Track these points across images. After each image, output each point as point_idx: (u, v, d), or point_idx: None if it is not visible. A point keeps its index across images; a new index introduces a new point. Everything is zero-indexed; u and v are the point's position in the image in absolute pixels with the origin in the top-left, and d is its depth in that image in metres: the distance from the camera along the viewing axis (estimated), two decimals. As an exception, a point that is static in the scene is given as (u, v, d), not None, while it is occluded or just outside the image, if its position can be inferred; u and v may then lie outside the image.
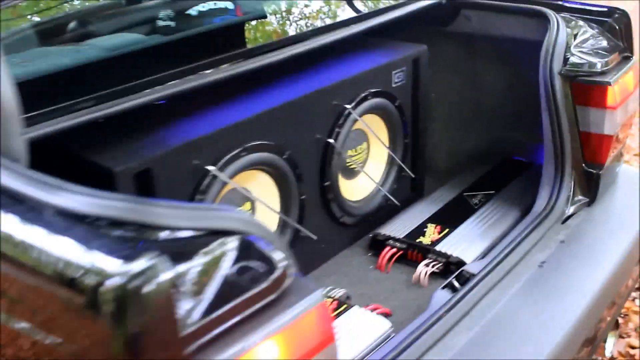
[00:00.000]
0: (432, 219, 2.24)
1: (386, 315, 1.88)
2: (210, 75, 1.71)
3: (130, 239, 1.06)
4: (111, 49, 1.82)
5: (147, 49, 1.84)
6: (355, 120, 2.09)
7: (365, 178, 2.26)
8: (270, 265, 1.11)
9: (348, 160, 2.18)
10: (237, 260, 1.09)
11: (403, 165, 2.32)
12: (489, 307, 1.72)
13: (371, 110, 2.15)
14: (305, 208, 2.01)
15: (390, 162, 2.31)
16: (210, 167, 1.66)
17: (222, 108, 1.81)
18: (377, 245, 2.18)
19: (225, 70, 1.74)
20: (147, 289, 0.96)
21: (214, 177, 1.68)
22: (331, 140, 2.00)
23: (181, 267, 1.02)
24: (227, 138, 1.72)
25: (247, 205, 1.88)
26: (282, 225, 1.95)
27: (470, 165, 2.60)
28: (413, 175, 2.39)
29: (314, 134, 1.98)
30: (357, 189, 2.24)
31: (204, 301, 1.01)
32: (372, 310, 1.86)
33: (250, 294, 1.06)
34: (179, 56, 1.77)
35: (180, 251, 1.07)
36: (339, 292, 1.96)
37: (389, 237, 2.16)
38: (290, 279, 1.12)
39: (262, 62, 1.81)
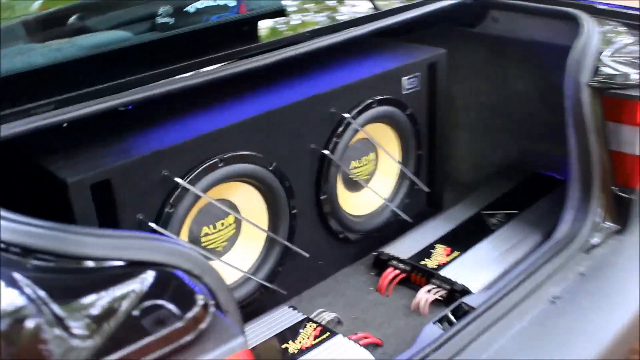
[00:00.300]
0: (443, 239, 2.05)
1: (375, 345, 1.72)
2: (189, 80, 1.58)
3: (19, 267, 0.94)
4: (92, 48, 1.71)
5: (130, 49, 1.73)
6: (358, 130, 1.92)
7: (375, 188, 2.09)
8: (186, 304, 0.97)
9: (352, 172, 2.02)
10: (147, 297, 0.96)
11: (415, 179, 2.14)
12: (484, 347, 1.53)
13: (377, 119, 1.98)
14: (298, 223, 1.86)
15: (402, 174, 2.13)
16: (178, 179, 1.53)
17: (200, 115, 1.68)
18: (381, 265, 2.02)
19: (206, 75, 1.61)
20: (13, 330, 0.84)
21: (185, 189, 1.56)
22: (326, 152, 1.84)
23: (70, 305, 0.89)
24: (201, 148, 1.58)
25: (230, 218, 1.74)
26: (270, 241, 1.81)
27: (496, 179, 2.39)
28: (427, 190, 2.20)
29: (308, 144, 1.83)
30: (363, 203, 2.07)
31: (95, 344, 0.88)
32: (360, 339, 1.69)
33: (154, 338, 0.92)
34: (164, 57, 1.64)
35: (76, 285, 0.95)
36: (329, 316, 1.81)
37: (393, 258, 1.99)
38: (208, 320, 0.98)
39: (249, 65, 1.67)
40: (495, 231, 2.07)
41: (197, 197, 1.59)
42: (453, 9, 2.17)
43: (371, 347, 1.70)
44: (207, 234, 1.70)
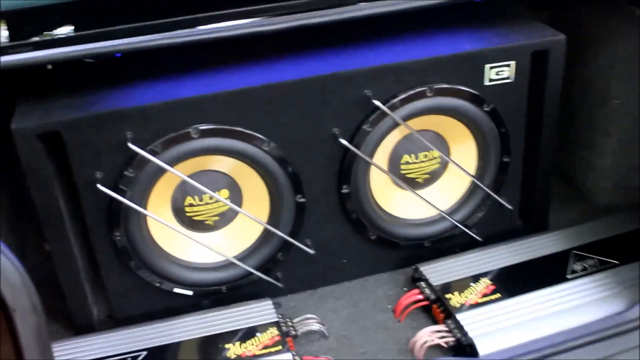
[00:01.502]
0: (495, 274, 1.64)
1: (335, 377, 1.47)
2: (183, 37, 1.43)
3: None
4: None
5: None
6: (408, 119, 1.60)
7: (435, 192, 1.75)
8: None
9: (404, 169, 1.70)
10: None
11: (489, 192, 1.73)
12: None
13: (434, 112, 1.62)
14: (313, 214, 1.64)
15: (481, 179, 1.73)
16: (132, 146, 1.42)
17: (193, 77, 1.52)
18: (414, 282, 1.70)
19: (207, 33, 1.44)
20: None
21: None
22: (343, 141, 1.56)
23: None
24: (172, 114, 1.45)
25: (224, 193, 1.60)
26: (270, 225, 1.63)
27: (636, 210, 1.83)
28: (509, 206, 1.77)
29: (330, 128, 1.56)
30: (419, 205, 1.74)
31: None
32: (317, 365, 1.47)
33: None
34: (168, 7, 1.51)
35: None
36: (315, 326, 1.59)
37: (424, 279, 1.66)
38: None
39: (262, 28, 1.46)
40: (569, 281, 1.59)
41: (172, 165, 1.48)
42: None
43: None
44: (191, 205, 1.58)
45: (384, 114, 1.56)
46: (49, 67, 1.50)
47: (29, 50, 1.40)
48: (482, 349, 1.44)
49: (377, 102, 1.53)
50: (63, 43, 1.41)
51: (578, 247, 1.69)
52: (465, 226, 1.77)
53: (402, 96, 1.56)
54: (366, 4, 1.49)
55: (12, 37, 1.43)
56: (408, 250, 1.77)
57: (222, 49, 1.57)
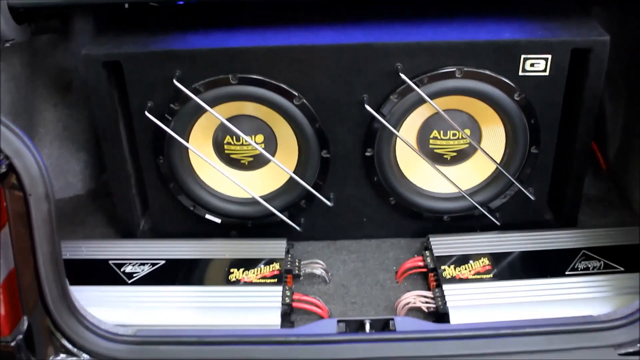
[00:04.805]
0: (496, 256, 1.70)
1: (319, 317, 1.62)
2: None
3: None
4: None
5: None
6: (436, 97, 1.68)
7: (461, 171, 1.82)
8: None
9: (432, 144, 1.79)
10: None
11: (513, 180, 1.77)
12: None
13: (462, 94, 1.68)
14: (337, 170, 1.78)
15: (507, 167, 1.78)
16: (176, 82, 1.62)
17: (244, 30, 1.69)
18: (424, 250, 1.80)
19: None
20: None
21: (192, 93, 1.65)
22: (368, 108, 1.67)
23: None
24: (215, 60, 1.63)
25: (259, 137, 1.77)
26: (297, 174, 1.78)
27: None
28: (533, 198, 1.80)
29: (360, 94, 1.68)
30: (442, 180, 1.82)
31: None
32: (305, 302, 1.62)
33: None
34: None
35: None
36: (319, 270, 1.75)
37: (430, 249, 1.75)
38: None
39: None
40: (565, 277, 1.62)
41: (212, 104, 1.67)
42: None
43: (313, 316, 1.62)
44: (229, 143, 1.77)
45: (412, 88, 1.65)
46: (126, 6, 1.73)
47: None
48: (455, 319, 1.53)
49: (403, 76, 1.63)
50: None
51: (590, 248, 1.70)
52: (487, 209, 1.83)
53: (431, 74, 1.64)
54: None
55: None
56: (429, 222, 1.86)
57: (271, 9, 1.72)
